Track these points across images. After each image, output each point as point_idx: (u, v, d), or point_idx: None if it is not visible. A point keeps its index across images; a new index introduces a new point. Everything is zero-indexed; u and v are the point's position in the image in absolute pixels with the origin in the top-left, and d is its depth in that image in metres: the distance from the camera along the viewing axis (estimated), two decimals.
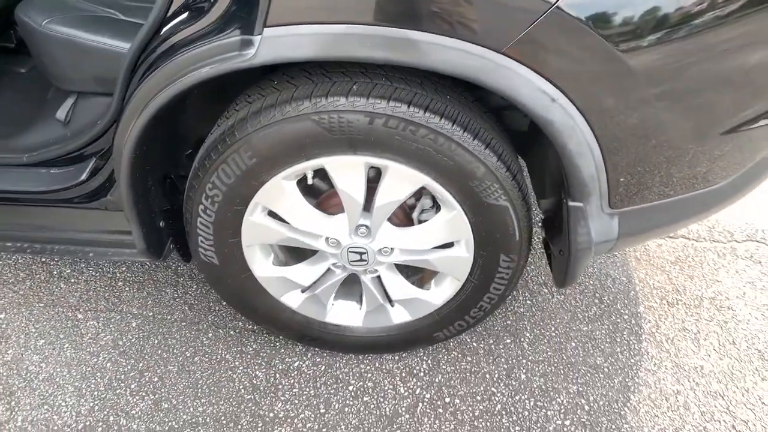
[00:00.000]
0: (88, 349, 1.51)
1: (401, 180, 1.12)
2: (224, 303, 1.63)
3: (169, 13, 1.08)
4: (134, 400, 1.40)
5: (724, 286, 1.67)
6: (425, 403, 1.41)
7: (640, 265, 1.75)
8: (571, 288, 1.68)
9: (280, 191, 1.16)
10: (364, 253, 1.25)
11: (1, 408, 1.37)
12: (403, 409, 1.40)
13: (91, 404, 1.39)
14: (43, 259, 1.75)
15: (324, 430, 1.35)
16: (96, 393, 1.41)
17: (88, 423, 1.35)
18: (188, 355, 1.50)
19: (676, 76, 0.94)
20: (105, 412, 1.37)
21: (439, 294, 1.35)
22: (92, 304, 1.63)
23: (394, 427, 1.36)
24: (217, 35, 0.96)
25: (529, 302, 1.65)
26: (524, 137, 1.34)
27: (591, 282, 1.70)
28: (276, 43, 0.92)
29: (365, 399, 1.42)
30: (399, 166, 1.10)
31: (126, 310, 1.61)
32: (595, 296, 1.66)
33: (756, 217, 1.87)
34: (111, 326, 1.57)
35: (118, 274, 1.71)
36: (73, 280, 1.69)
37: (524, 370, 1.48)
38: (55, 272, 1.72)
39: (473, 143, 1.07)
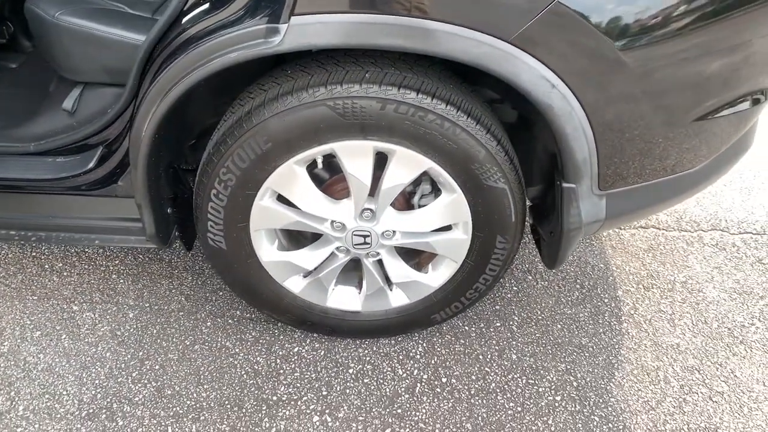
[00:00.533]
0: (86, 340, 1.51)
1: (407, 164, 1.20)
2: (221, 293, 1.66)
3: (186, 6, 1.13)
4: (136, 387, 1.41)
5: (694, 271, 1.80)
6: (423, 384, 1.47)
7: (616, 253, 1.87)
8: (554, 275, 1.78)
9: (292, 176, 1.21)
10: (368, 236, 1.31)
11: (1, 398, 1.36)
12: (403, 389, 1.45)
13: (93, 392, 1.39)
14: (34, 253, 1.74)
15: (327, 410, 1.39)
16: (97, 381, 1.41)
17: (91, 410, 1.35)
18: (188, 343, 1.52)
19: (665, 69, 1.05)
20: (108, 400, 1.38)
21: (437, 276, 1.42)
22: (87, 296, 1.62)
23: (395, 406, 1.42)
24: (242, 24, 1.02)
25: (515, 288, 1.73)
26: (512, 129, 1.43)
27: (572, 269, 1.80)
28: (302, 31, 0.98)
29: (365, 381, 1.46)
30: (406, 151, 1.17)
31: (122, 302, 1.61)
32: (577, 282, 1.76)
33: (719, 208, 2.03)
34: (108, 317, 1.57)
35: (111, 267, 1.72)
36: (65, 274, 1.68)
37: (515, 351, 1.56)
38: (46, 266, 1.70)
39: (476, 128, 1.15)
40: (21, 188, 1.32)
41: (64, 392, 1.38)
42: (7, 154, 1.32)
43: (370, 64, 1.13)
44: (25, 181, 1.30)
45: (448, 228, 1.32)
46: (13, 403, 1.36)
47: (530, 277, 1.77)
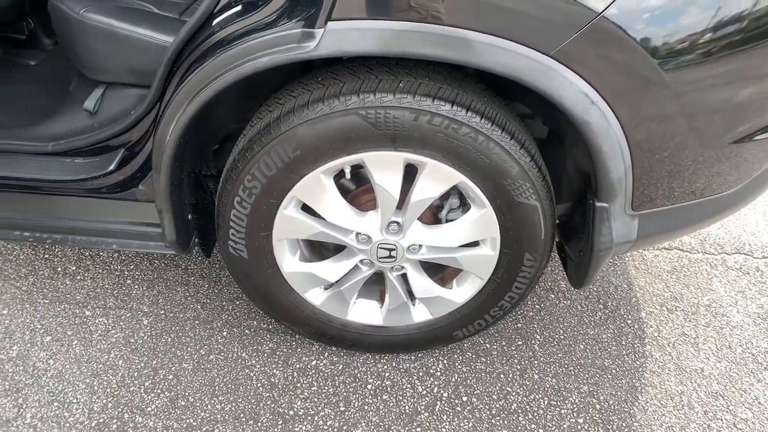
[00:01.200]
0: (98, 346, 1.47)
1: (437, 177, 1.16)
2: (238, 302, 1.62)
3: (216, 8, 1.11)
4: (149, 397, 1.37)
5: (718, 294, 1.76)
6: (443, 402, 1.43)
7: (640, 274, 1.83)
8: (576, 294, 1.74)
9: (318, 185, 1.18)
10: (394, 249, 1.28)
11: (8, 405, 1.32)
12: (422, 407, 1.41)
13: (104, 401, 1.35)
14: (46, 255, 1.71)
15: (345, 427, 1.35)
16: (108, 390, 1.37)
17: (101, 420, 1.31)
18: (203, 353, 1.48)
19: (706, 90, 1.02)
20: (119, 410, 1.34)
21: (461, 293, 1.38)
22: (100, 301, 1.59)
23: (415, 424, 1.38)
24: (276, 27, 0.99)
25: (537, 306, 1.70)
26: (543, 145, 1.40)
27: (595, 288, 1.76)
28: (338, 36, 0.95)
29: (384, 397, 1.42)
30: (437, 164, 1.14)
31: (136, 308, 1.58)
32: (600, 302, 1.72)
33: (743, 231, 1.99)
34: (121, 323, 1.53)
35: (126, 272, 1.68)
36: (78, 277, 1.65)
37: (537, 371, 1.52)
38: (59, 269, 1.67)
39: (510, 143, 1.12)
40: (37, 189, 1.29)
41: (74, 400, 1.34)
42: (24, 153, 1.29)
43: (404, 74, 1.10)
44: (41, 181, 1.27)
45: (475, 244, 1.29)
46: (21, 410, 1.32)
47: (552, 296, 1.73)
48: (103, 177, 1.27)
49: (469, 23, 0.95)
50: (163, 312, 1.57)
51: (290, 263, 1.32)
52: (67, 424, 1.30)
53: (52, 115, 1.39)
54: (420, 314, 1.42)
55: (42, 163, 1.28)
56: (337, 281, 1.35)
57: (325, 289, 1.39)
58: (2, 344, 1.45)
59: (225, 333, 1.54)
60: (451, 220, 1.30)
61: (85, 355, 1.44)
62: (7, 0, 1.56)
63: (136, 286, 1.64)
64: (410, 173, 1.19)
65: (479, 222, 1.23)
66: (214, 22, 1.09)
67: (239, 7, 1.07)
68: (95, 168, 1.28)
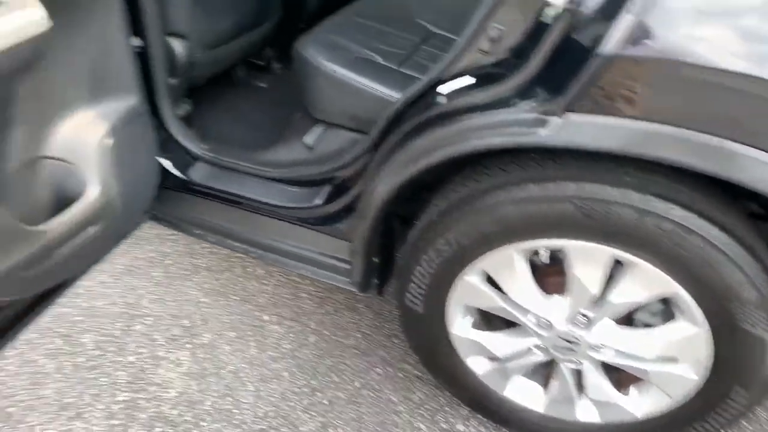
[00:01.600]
0: (270, 353, 1.60)
1: (648, 282, 1.05)
2: (395, 340, 1.65)
3: (451, 74, 1.12)
4: (304, 416, 1.45)
5: None
6: None
7: None
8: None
9: (509, 262, 1.14)
10: (576, 343, 1.19)
11: (195, 388, 1.50)
12: None
13: (267, 409, 1.46)
14: (240, 255, 1.91)
15: None
16: (272, 399, 1.49)
17: (263, 427, 1.42)
18: (357, 386, 1.53)
19: None
20: (278, 421, 1.44)
21: (641, 405, 1.23)
22: (278, 309, 1.73)
23: None
24: (507, 108, 0.98)
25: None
26: None
27: None
28: (576, 129, 0.91)
29: None
30: (651, 268, 1.03)
31: (306, 323, 1.69)
32: None
33: None
34: (291, 335, 1.65)
35: (302, 286, 1.81)
36: (264, 281, 1.82)
37: None
38: (249, 269, 1.86)
39: (748, 262, 0.97)
40: (253, 208, 1.44)
41: (244, 400, 1.48)
42: (252, 175, 1.45)
43: (631, 166, 1.01)
44: (260, 203, 1.42)
45: (673, 358, 1.14)
46: (203, 395, 1.48)
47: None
48: (310, 209, 1.37)
49: (732, 134, 0.83)
50: (327, 333, 1.66)
51: (460, 326, 1.30)
52: (235, 421, 1.43)
53: (276, 143, 1.55)
54: (586, 413, 1.30)
55: (264, 186, 1.43)
56: (505, 357, 1.30)
57: (490, 360, 1.34)
58: (198, 330, 1.65)
59: (379, 370, 1.57)
60: (649, 326, 1.17)
61: (257, 359, 1.58)
62: (262, 36, 1.79)
63: (309, 301, 1.76)
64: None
65: (688, 339, 1.08)
66: (443, 89, 1.11)
67: (471, 80, 1.07)
68: (305, 199, 1.39)
